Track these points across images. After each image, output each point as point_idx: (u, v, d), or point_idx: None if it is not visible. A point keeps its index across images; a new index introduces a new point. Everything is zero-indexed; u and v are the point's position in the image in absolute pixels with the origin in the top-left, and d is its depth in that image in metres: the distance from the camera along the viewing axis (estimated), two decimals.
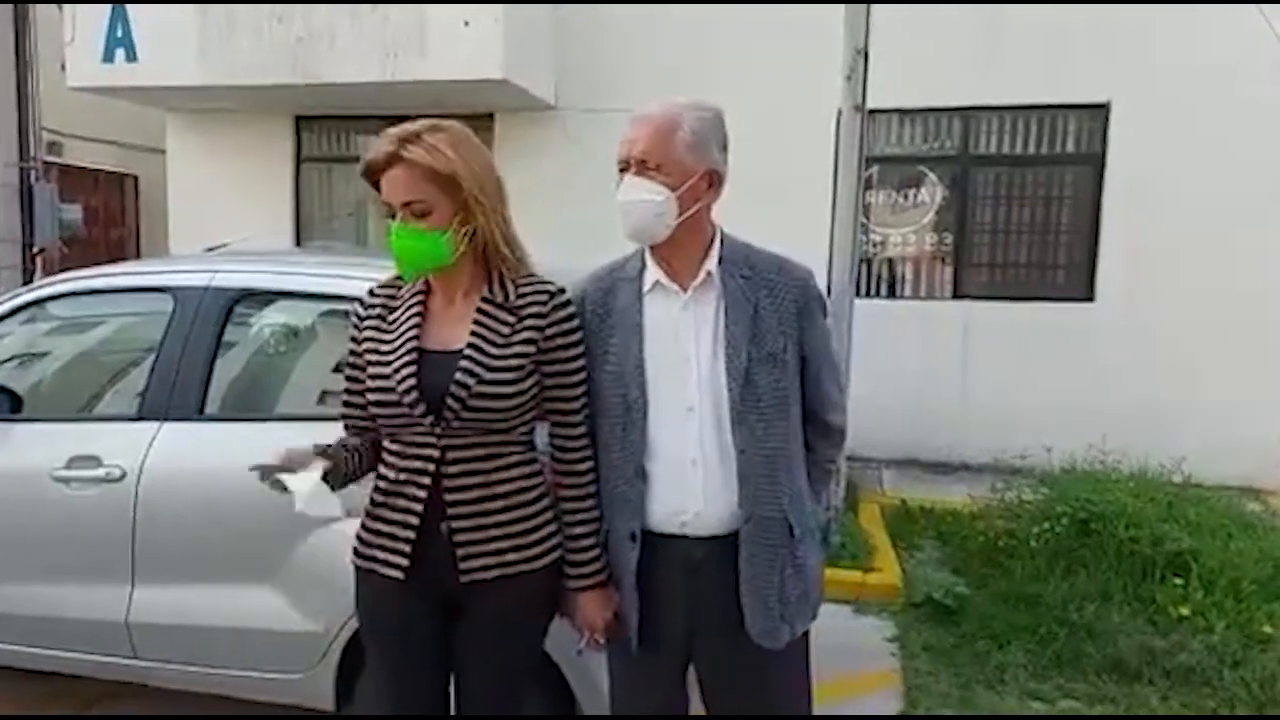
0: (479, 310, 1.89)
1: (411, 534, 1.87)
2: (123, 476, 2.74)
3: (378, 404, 1.86)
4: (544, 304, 1.89)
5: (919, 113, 7.16)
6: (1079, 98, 6.78)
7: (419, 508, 1.86)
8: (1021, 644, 3.91)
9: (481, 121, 7.49)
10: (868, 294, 7.24)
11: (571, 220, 6.99)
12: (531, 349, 1.87)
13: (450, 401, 1.82)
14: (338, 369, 2.04)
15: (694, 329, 1.85)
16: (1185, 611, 3.99)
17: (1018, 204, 7.17)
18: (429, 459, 1.86)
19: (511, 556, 1.89)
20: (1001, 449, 6.40)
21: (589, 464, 1.94)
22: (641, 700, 1.98)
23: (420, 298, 1.92)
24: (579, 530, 1.94)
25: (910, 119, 7.22)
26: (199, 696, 2.87)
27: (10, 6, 6.78)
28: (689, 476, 1.83)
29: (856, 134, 4.89)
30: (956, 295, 7.22)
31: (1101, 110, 6.78)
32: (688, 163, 1.80)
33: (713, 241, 1.89)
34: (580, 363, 1.93)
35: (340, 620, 2.50)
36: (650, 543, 1.84)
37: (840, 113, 5.17)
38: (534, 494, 1.93)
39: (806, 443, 1.95)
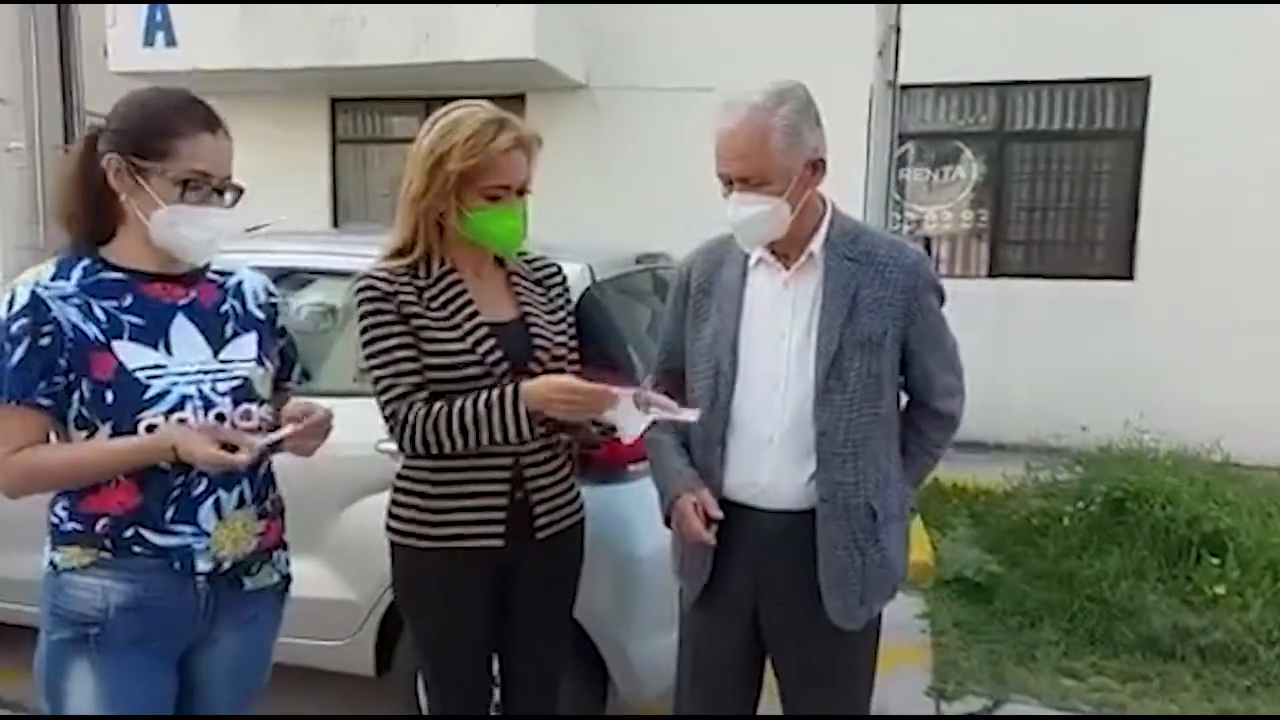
0: (513, 284, 2.00)
1: (505, 500, 1.92)
2: None
3: (454, 380, 1.86)
4: (557, 277, 2.09)
5: (955, 88, 7.10)
6: (1118, 72, 6.67)
7: (507, 475, 1.92)
8: (1054, 621, 3.92)
9: (512, 102, 7.51)
10: None
11: (601, 199, 7.04)
12: (566, 317, 2.04)
13: (534, 366, 1.91)
14: None
15: (791, 307, 1.85)
16: (1221, 590, 3.96)
17: (1055, 180, 7.10)
18: None
19: (569, 508, 2.04)
20: (1037, 428, 6.36)
21: None
22: (709, 646, 2.00)
23: (455, 275, 1.94)
24: None
25: (946, 94, 7.16)
26: None
27: None
28: (763, 451, 1.85)
29: (889, 110, 4.86)
30: (992, 273, 7.16)
31: (1142, 84, 6.66)
32: (788, 165, 1.76)
33: (821, 220, 1.86)
34: (573, 331, 2.08)
35: (380, 588, 2.56)
36: (727, 509, 1.86)
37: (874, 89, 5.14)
38: (565, 450, 2.05)
39: (915, 427, 1.95)
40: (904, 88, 6.03)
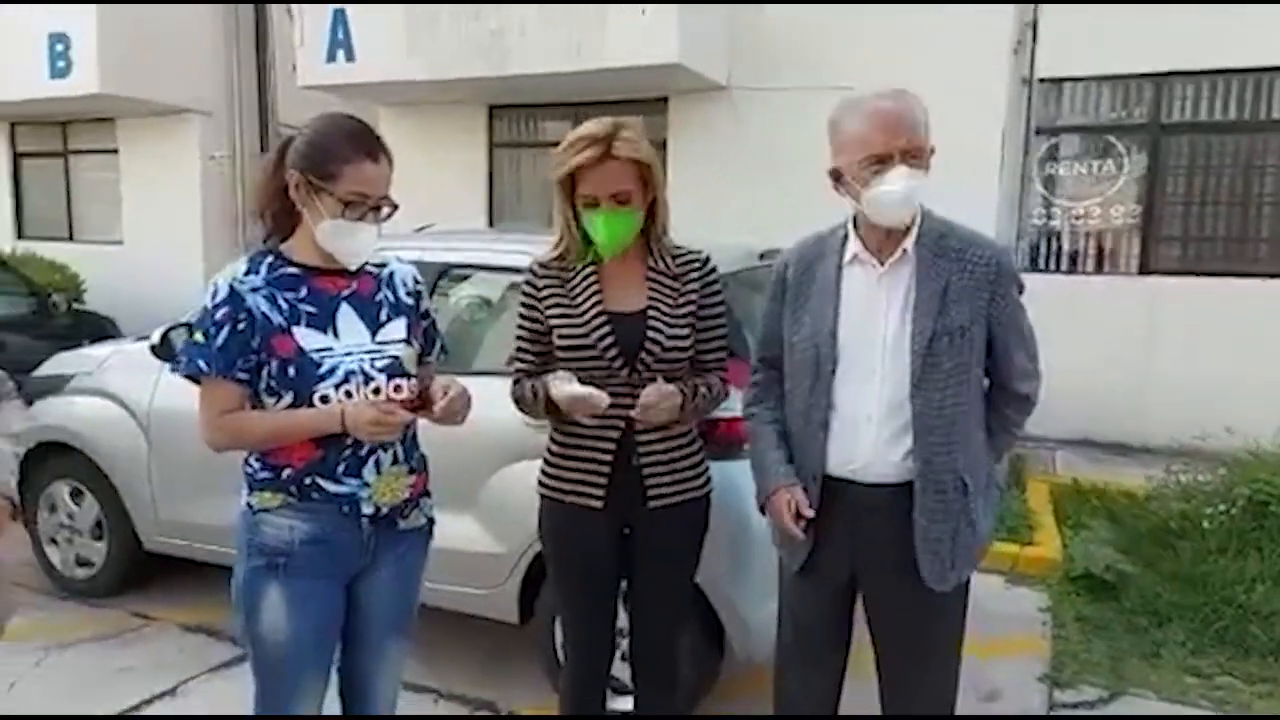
0: (649, 278, 2.21)
1: (607, 469, 2.19)
2: None
3: (575, 360, 2.17)
4: (700, 270, 2.25)
5: (1109, 80, 6.90)
6: None
7: (613, 446, 2.19)
8: (1183, 622, 3.87)
9: (655, 105, 7.82)
10: (1049, 269, 7.11)
11: (740, 196, 7.26)
12: (694, 309, 2.22)
13: (644, 356, 2.15)
14: None
15: (886, 301, 2.00)
16: None
17: (1215, 174, 6.79)
18: (623, 405, 2.17)
19: (686, 484, 2.25)
20: (1186, 432, 6.13)
21: (721, 386, 2.28)
22: (808, 609, 2.21)
23: (594, 267, 2.22)
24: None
25: (1099, 87, 6.97)
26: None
27: (254, 20, 7.71)
28: (861, 431, 2.02)
29: (1024, 107, 4.87)
30: (1143, 270, 6.93)
31: None
32: (928, 147, 1.95)
33: (914, 220, 2.00)
34: (722, 321, 2.26)
35: (523, 545, 2.91)
36: (827, 486, 2.07)
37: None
38: (694, 431, 2.28)
39: (997, 408, 2.10)
40: (1056, 81, 5.90)
